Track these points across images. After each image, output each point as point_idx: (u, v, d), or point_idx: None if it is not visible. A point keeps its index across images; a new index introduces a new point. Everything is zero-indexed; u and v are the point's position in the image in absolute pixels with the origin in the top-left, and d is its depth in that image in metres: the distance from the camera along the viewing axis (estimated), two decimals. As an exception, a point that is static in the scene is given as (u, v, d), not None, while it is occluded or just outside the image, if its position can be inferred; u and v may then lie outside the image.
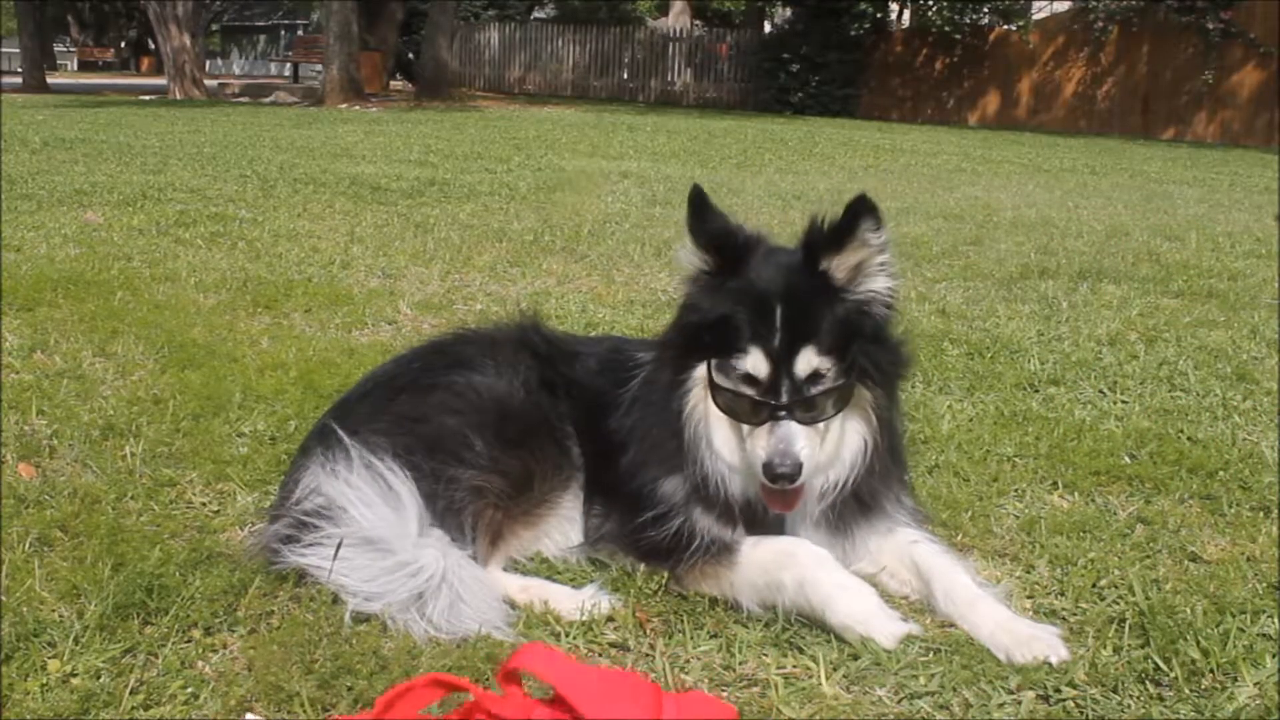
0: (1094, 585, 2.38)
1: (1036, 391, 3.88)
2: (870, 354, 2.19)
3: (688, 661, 2.06)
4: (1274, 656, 2.07)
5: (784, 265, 2.20)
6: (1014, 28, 25.45)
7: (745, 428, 2.17)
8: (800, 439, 2.09)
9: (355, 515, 2.16)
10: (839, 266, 2.17)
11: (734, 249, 2.20)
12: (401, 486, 2.21)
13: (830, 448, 2.21)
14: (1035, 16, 26.74)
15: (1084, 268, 6.35)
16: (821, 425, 2.16)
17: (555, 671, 1.63)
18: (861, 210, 2.13)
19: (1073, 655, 2.05)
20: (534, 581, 2.31)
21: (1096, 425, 3.49)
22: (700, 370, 2.22)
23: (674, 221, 7.63)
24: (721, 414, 2.23)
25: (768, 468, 2.08)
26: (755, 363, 2.12)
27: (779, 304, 2.12)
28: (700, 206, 2.20)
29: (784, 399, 2.10)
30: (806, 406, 2.12)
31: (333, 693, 1.89)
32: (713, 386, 2.18)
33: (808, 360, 2.12)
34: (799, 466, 2.07)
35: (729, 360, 2.14)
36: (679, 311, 2.30)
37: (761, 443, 2.10)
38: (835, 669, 2.02)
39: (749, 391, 2.13)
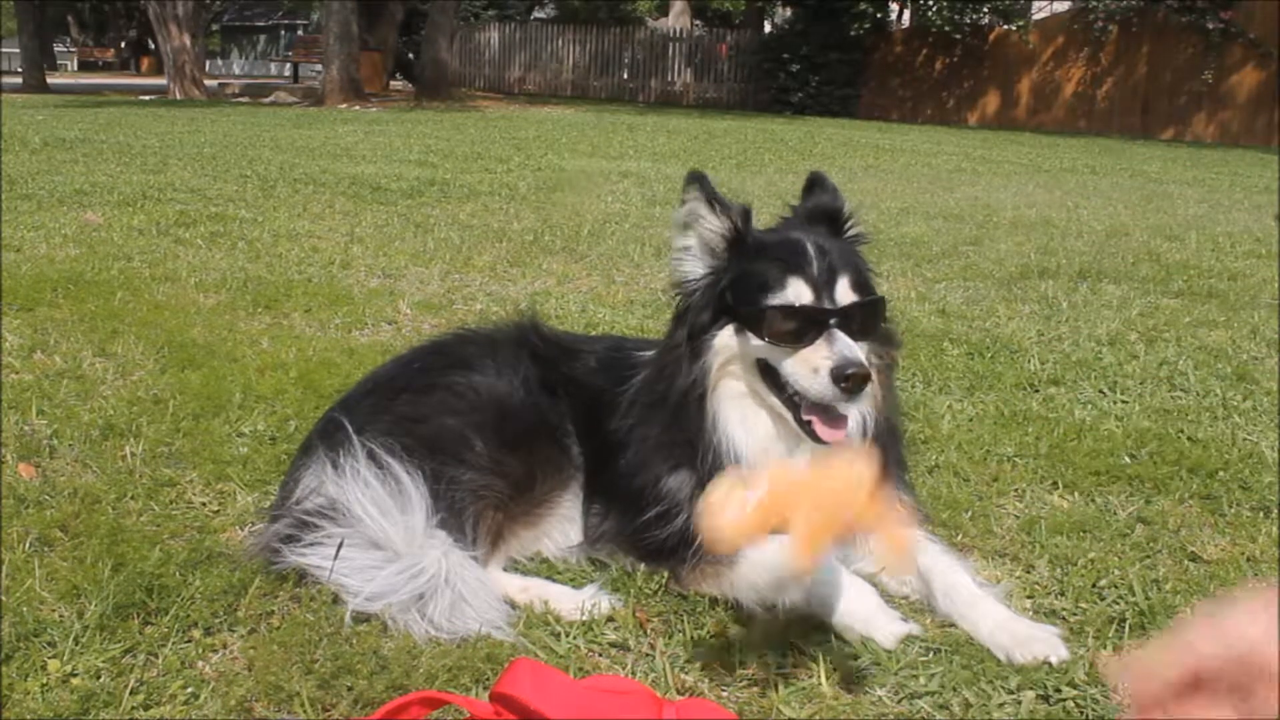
0: (1094, 585, 2.38)
1: (1036, 391, 3.88)
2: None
3: (688, 661, 2.06)
4: (1274, 656, 2.07)
5: (795, 223, 2.33)
6: (1014, 28, 25.46)
7: (783, 356, 2.13)
8: (858, 348, 2.10)
9: (361, 515, 2.16)
10: (848, 224, 2.34)
11: (746, 214, 2.27)
12: (411, 487, 2.21)
13: None
14: (1035, 16, 26.75)
15: (1084, 268, 6.35)
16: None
17: (543, 696, 1.61)
18: (832, 182, 2.38)
19: (1073, 655, 2.05)
20: (534, 581, 2.31)
21: (1096, 425, 3.49)
22: (719, 339, 2.21)
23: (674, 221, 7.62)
24: (739, 394, 2.23)
25: (838, 371, 2.05)
26: (798, 291, 2.13)
27: (810, 244, 2.18)
28: (708, 184, 2.27)
29: (831, 307, 2.13)
30: (848, 324, 2.13)
31: (333, 693, 1.89)
32: (751, 319, 2.16)
33: (845, 290, 2.16)
34: (867, 369, 2.07)
35: (764, 301, 2.14)
36: (687, 297, 2.29)
37: (822, 354, 2.08)
38: (835, 669, 2.02)
39: (798, 303, 2.14)
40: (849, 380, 2.05)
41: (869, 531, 1.66)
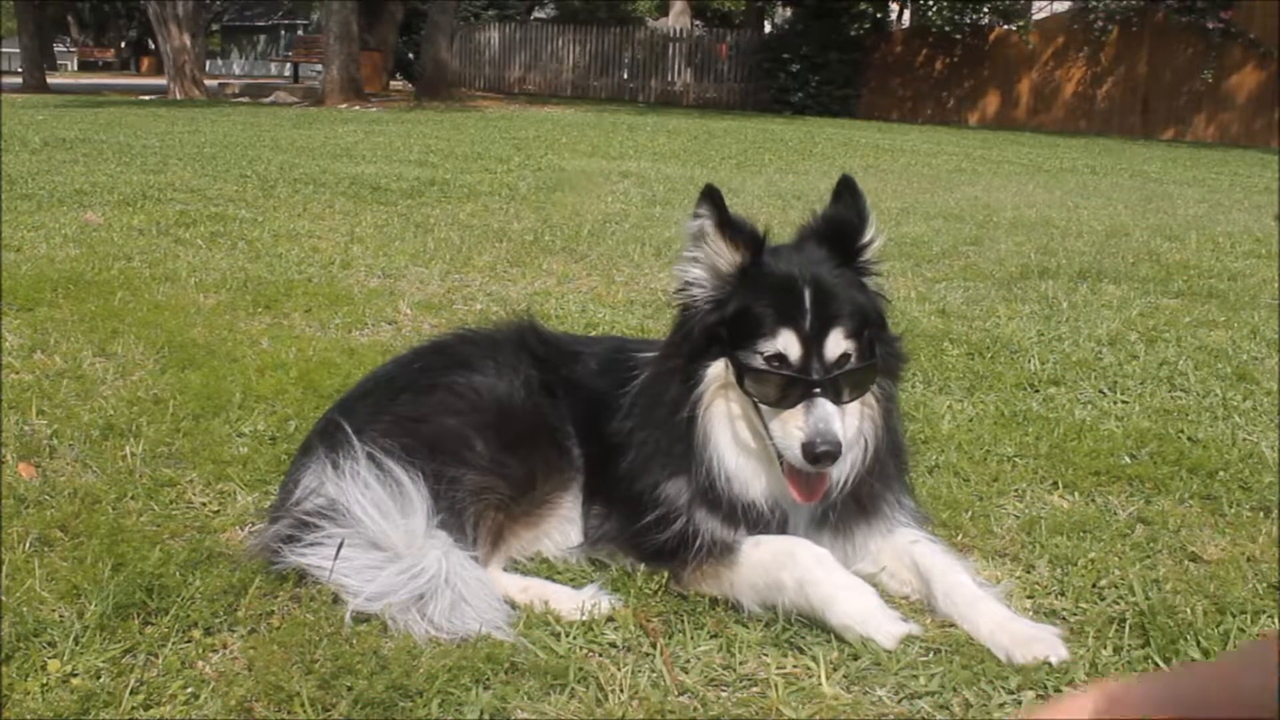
0: (1094, 585, 2.38)
1: (1036, 391, 3.88)
2: (880, 342, 2.23)
3: (688, 661, 2.06)
4: (1274, 656, 2.07)
5: (801, 252, 2.24)
6: (1014, 28, 25.44)
7: (769, 415, 2.14)
8: (837, 419, 2.08)
9: (360, 515, 2.16)
10: (858, 251, 2.24)
11: (759, 243, 2.22)
12: (412, 487, 2.21)
13: None
14: (1035, 16, 26.73)
15: (1084, 268, 6.35)
16: (845, 409, 2.16)
17: None
18: (860, 191, 2.24)
19: (1073, 655, 2.06)
20: (534, 582, 2.31)
21: (1096, 425, 3.49)
22: (713, 369, 2.21)
23: (674, 221, 7.63)
24: (731, 416, 2.22)
25: (808, 448, 2.05)
26: (786, 343, 2.11)
27: (806, 287, 2.14)
28: (722, 204, 2.21)
29: (817, 377, 2.10)
30: (835, 388, 2.12)
31: (333, 693, 1.89)
32: (739, 369, 2.16)
33: (836, 342, 2.13)
34: (839, 446, 2.06)
35: (755, 347, 2.13)
36: (689, 311, 2.26)
37: (798, 423, 2.08)
38: (835, 669, 2.02)
39: (782, 370, 2.12)
40: (819, 460, 2.06)
41: None
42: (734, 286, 2.20)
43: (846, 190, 2.28)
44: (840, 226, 2.26)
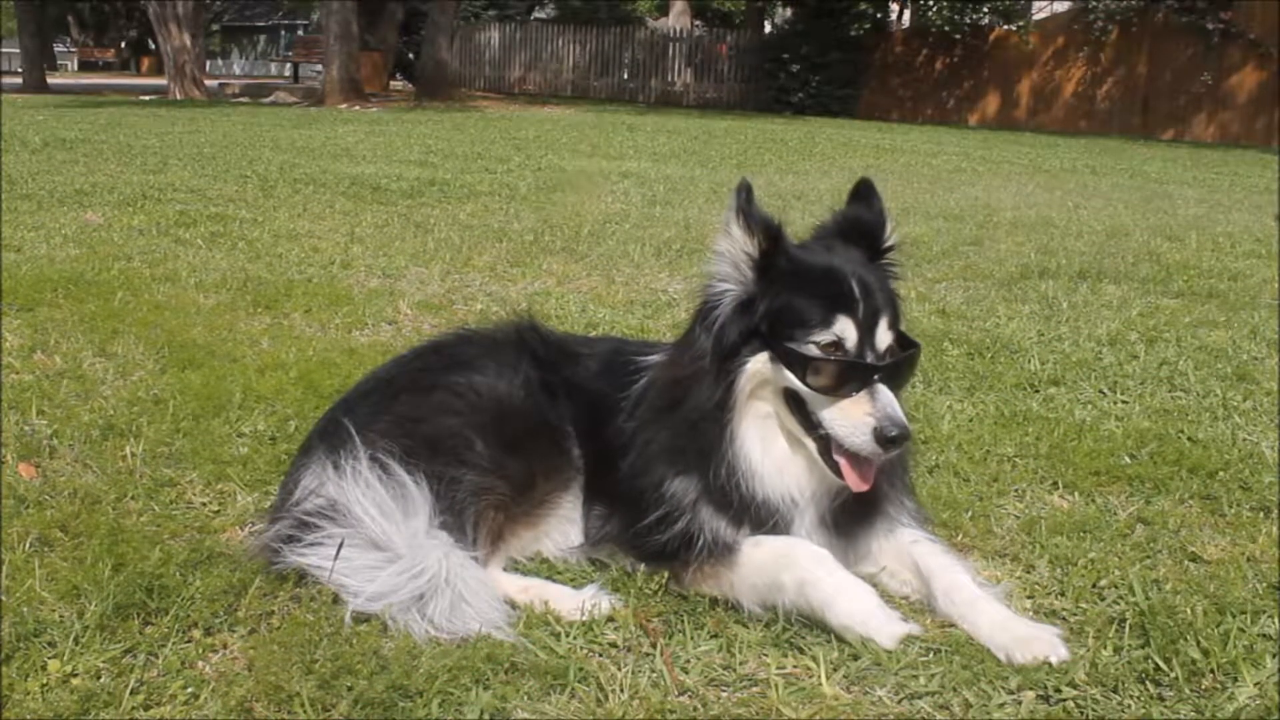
0: (1094, 585, 2.38)
1: (1036, 391, 3.88)
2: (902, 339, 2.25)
3: (688, 661, 2.06)
4: (1274, 656, 2.07)
5: (832, 249, 2.26)
6: (1014, 28, 25.46)
7: (820, 404, 2.12)
8: (898, 403, 2.09)
9: (361, 515, 2.16)
10: (887, 246, 2.29)
11: (777, 236, 2.21)
12: (414, 488, 2.21)
13: None
14: (1035, 17, 26.74)
15: (1084, 268, 6.35)
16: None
17: None
18: (878, 192, 2.29)
19: (1073, 655, 2.05)
20: (534, 582, 2.31)
21: (1096, 425, 3.49)
22: (751, 365, 2.19)
23: (674, 221, 7.63)
24: (761, 414, 2.22)
25: (881, 433, 2.06)
26: (844, 330, 2.12)
27: (852, 279, 2.15)
28: (748, 196, 2.20)
29: (874, 362, 2.11)
30: (887, 375, 2.13)
31: (333, 693, 1.89)
32: (790, 360, 2.14)
33: (884, 331, 2.16)
34: (908, 429, 2.08)
35: (807, 337, 2.12)
36: (711, 311, 2.22)
37: (865, 409, 2.09)
38: (835, 669, 2.02)
39: (840, 357, 2.12)
40: (891, 444, 2.07)
41: None
42: (761, 280, 2.19)
43: (866, 191, 2.32)
44: (864, 226, 2.29)
